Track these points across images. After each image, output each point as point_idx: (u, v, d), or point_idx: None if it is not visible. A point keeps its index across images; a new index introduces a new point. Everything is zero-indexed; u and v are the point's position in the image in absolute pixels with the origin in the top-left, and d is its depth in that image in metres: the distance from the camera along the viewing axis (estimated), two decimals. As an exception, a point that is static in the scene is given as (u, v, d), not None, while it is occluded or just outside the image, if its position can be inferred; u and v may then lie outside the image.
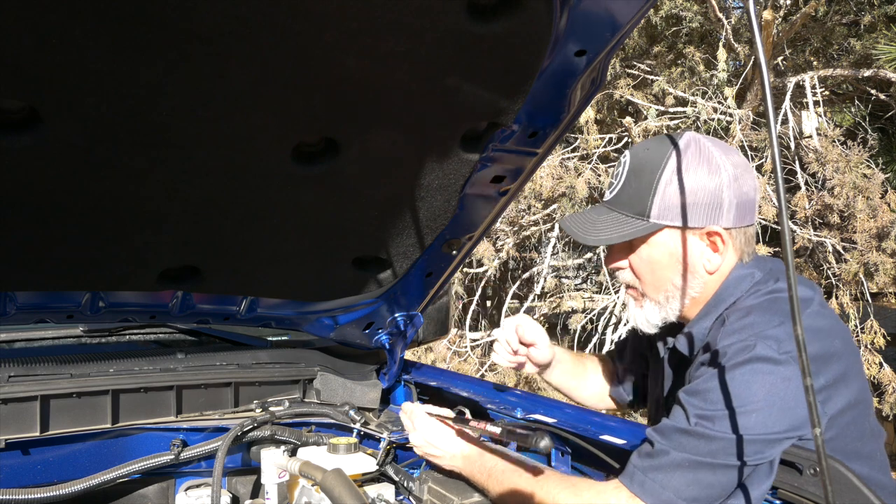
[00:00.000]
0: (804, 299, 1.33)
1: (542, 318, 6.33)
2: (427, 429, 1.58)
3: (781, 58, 6.08)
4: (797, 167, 5.53)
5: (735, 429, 1.18)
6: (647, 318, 1.49)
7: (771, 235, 5.61)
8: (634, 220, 1.40)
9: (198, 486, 1.66)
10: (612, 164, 6.31)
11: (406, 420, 1.65)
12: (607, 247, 1.54)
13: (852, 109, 6.50)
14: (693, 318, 1.45)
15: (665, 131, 6.10)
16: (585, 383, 1.98)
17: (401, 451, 1.82)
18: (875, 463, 1.35)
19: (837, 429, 1.27)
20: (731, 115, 5.50)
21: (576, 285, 7.15)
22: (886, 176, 5.38)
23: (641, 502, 1.21)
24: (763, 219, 5.49)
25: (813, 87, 5.45)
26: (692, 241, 1.40)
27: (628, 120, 5.91)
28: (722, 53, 5.68)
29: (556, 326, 6.86)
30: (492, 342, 6.27)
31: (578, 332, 6.22)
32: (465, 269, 6.21)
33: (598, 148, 6.04)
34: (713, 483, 1.19)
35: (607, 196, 1.47)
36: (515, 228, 6.11)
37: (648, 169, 1.38)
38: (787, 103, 5.50)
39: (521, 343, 1.79)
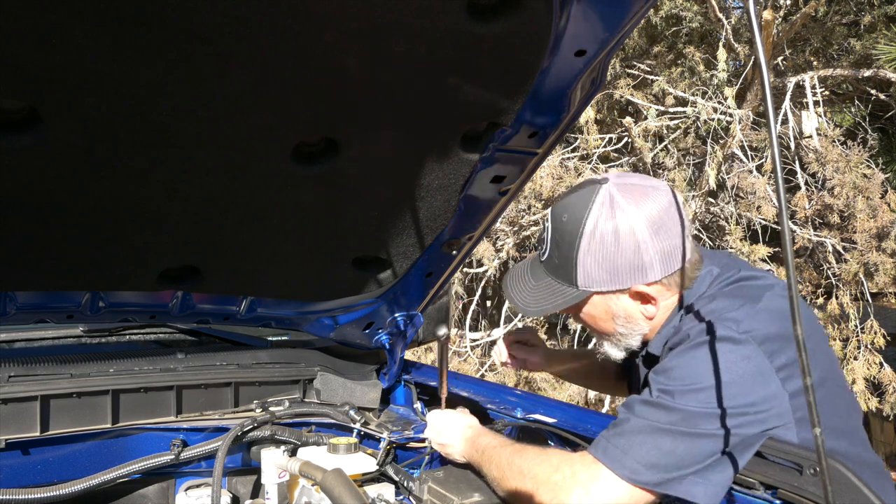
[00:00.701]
0: (767, 285, 1.38)
1: (542, 317, 6.33)
2: (435, 419, 1.65)
3: (781, 58, 6.08)
4: (797, 167, 5.54)
5: (694, 402, 1.24)
6: (609, 352, 1.57)
7: (771, 235, 5.62)
8: (566, 288, 1.45)
9: (198, 486, 1.66)
10: (612, 164, 6.32)
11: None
12: None
13: (852, 109, 6.51)
14: (659, 328, 1.50)
15: (665, 131, 6.11)
16: (601, 383, 2.11)
17: (401, 451, 1.82)
18: (857, 439, 1.38)
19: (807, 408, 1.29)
20: (731, 115, 5.51)
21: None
22: (886, 176, 5.39)
23: (603, 466, 1.26)
24: (763, 219, 5.50)
25: (813, 87, 5.45)
26: (623, 299, 1.45)
27: (628, 120, 5.91)
28: (722, 53, 5.68)
29: (556, 326, 6.87)
30: (493, 342, 6.28)
31: (578, 331, 6.23)
32: (465, 269, 6.21)
33: (598, 148, 6.04)
34: (672, 450, 1.23)
35: (542, 255, 1.52)
36: (515, 228, 6.11)
37: (567, 241, 1.42)
38: (787, 103, 5.51)
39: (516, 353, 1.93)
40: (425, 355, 6.05)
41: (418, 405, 1.99)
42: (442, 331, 1.69)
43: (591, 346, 2.06)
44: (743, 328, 1.28)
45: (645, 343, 1.55)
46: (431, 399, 2.03)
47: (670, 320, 1.48)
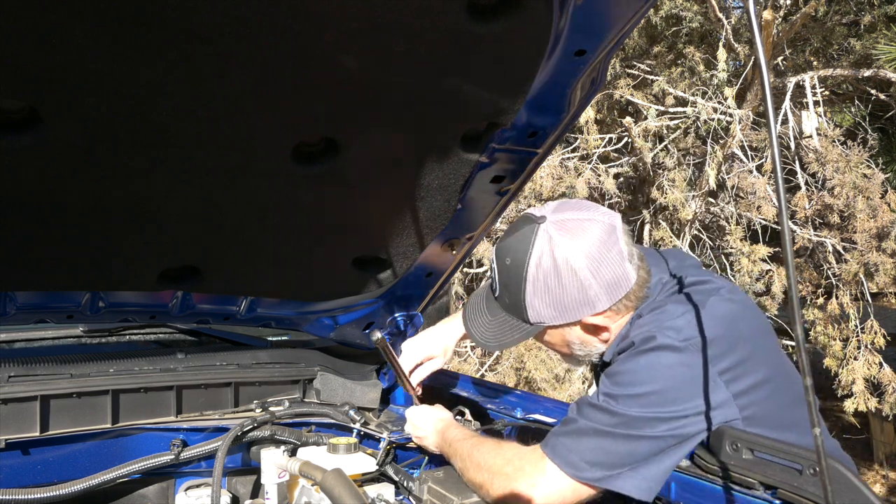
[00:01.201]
0: (713, 289, 1.45)
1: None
2: (412, 414, 1.76)
3: (781, 58, 6.08)
4: (797, 167, 5.53)
5: (636, 406, 1.33)
6: (573, 366, 1.68)
7: (771, 235, 5.61)
8: (520, 324, 1.51)
9: (198, 486, 1.66)
10: (612, 164, 6.32)
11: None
12: None
13: (852, 109, 6.50)
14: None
15: (665, 131, 6.10)
16: None
17: (401, 451, 1.82)
18: (804, 429, 1.40)
19: (755, 407, 1.37)
20: (731, 115, 5.50)
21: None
22: (886, 176, 5.38)
23: (550, 461, 1.37)
24: (763, 219, 5.49)
25: (813, 87, 5.45)
26: (575, 330, 1.50)
27: (628, 120, 5.91)
28: (722, 53, 5.68)
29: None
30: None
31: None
32: (465, 269, 6.21)
33: (598, 148, 6.04)
34: (613, 451, 1.33)
35: (494, 292, 1.55)
36: (515, 228, 6.10)
37: (514, 283, 1.46)
38: (787, 103, 5.50)
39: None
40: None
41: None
42: (375, 336, 1.79)
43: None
44: (683, 336, 1.35)
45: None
46: (433, 399, 2.03)
47: (623, 329, 1.52)
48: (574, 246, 1.40)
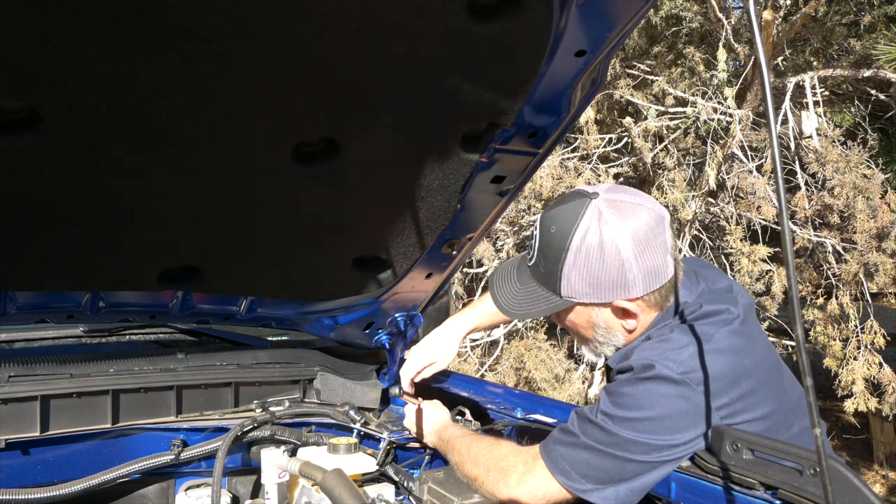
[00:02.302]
0: (724, 320, 1.43)
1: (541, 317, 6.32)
2: (410, 411, 1.84)
3: (781, 58, 6.08)
4: (797, 167, 5.53)
5: (630, 430, 1.35)
6: (587, 355, 1.65)
7: (771, 235, 5.61)
8: (549, 296, 1.49)
9: (198, 486, 1.66)
10: (612, 164, 6.31)
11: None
12: None
13: (852, 109, 6.50)
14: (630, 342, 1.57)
15: (665, 131, 6.10)
16: None
17: (401, 452, 1.82)
18: None
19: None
20: (731, 116, 5.50)
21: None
22: (886, 176, 5.38)
23: (543, 464, 1.43)
24: (763, 219, 5.49)
25: (813, 87, 5.45)
26: (604, 312, 1.49)
27: (628, 120, 5.91)
28: (722, 53, 5.67)
29: (556, 326, 6.87)
30: (493, 342, 6.28)
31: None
32: (465, 269, 6.21)
33: (598, 148, 6.04)
34: (603, 468, 1.37)
35: (529, 260, 1.54)
36: (515, 228, 6.11)
37: (553, 253, 1.44)
38: (787, 103, 5.50)
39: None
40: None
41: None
42: (395, 391, 1.99)
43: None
44: (682, 369, 1.35)
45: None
46: (433, 399, 2.03)
47: (636, 340, 1.53)
48: (623, 226, 1.40)
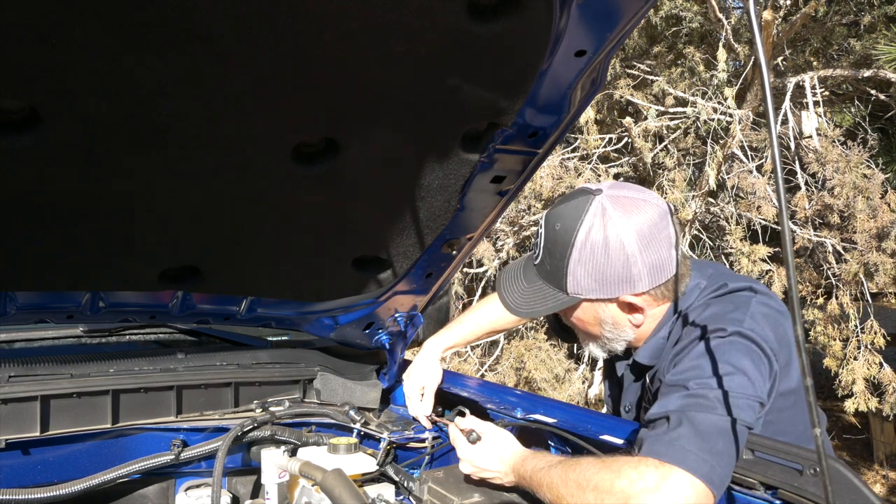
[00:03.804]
0: (751, 295, 1.44)
1: (542, 318, 6.31)
2: (473, 455, 1.53)
3: (781, 58, 6.08)
4: (797, 167, 5.53)
5: (731, 387, 1.25)
6: (594, 352, 1.62)
7: (771, 235, 5.61)
8: (556, 293, 1.49)
9: (198, 486, 1.66)
10: (612, 164, 6.31)
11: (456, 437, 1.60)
12: None
13: (852, 109, 6.50)
14: (647, 338, 1.54)
15: (665, 131, 6.10)
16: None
17: (401, 451, 1.82)
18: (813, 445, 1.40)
19: (775, 413, 1.35)
20: (731, 116, 5.50)
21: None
22: (886, 176, 5.38)
23: (671, 464, 1.18)
24: (763, 219, 5.49)
25: (813, 87, 5.45)
26: (611, 307, 1.49)
27: (628, 120, 5.91)
28: (722, 53, 5.68)
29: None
30: (492, 342, 6.28)
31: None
32: (465, 269, 6.21)
33: (598, 148, 6.04)
34: (726, 433, 1.21)
35: (535, 258, 1.54)
36: (515, 228, 6.11)
37: (559, 250, 1.45)
38: (787, 103, 5.50)
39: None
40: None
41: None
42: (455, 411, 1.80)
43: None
44: (747, 326, 1.34)
45: (628, 351, 1.61)
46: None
47: (658, 330, 1.52)
48: (627, 222, 1.41)
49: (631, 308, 1.47)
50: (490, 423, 1.61)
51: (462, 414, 1.88)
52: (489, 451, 1.51)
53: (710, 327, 1.36)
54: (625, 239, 1.40)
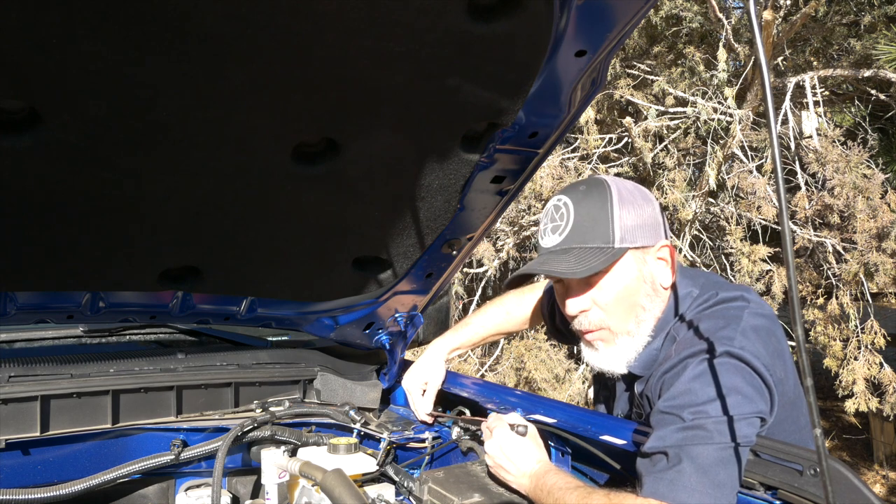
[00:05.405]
0: (743, 305, 1.44)
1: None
2: (505, 441, 1.54)
3: (781, 58, 6.08)
4: (797, 167, 5.53)
5: (725, 410, 1.26)
6: (621, 354, 1.54)
7: (771, 235, 5.61)
8: (602, 248, 1.46)
9: (198, 486, 1.66)
10: (612, 164, 6.31)
11: (486, 430, 1.63)
12: (566, 297, 1.56)
13: (852, 109, 6.50)
14: (643, 349, 1.55)
15: (665, 131, 6.10)
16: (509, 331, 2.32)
17: (401, 452, 1.82)
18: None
19: (780, 424, 1.37)
20: (731, 116, 5.50)
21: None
22: (886, 176, 5.38)
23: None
24: (763, 219, 5.49)
25: (813, 87, 5.45)
26: (650, 259, 1.53)
27: (628, 120, 5.91)
28: (722, 53, 5.68)
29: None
30: (492, 342, 6.28)
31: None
32: (465, 269, 6.21)
33: (598, 148, 6.04)
34: (727, 462, 1.24)
35: (553, 241, 1.50)
36: (515, 228, 6.11)
37: (597, 204, 1.49)
38: (787, 103, 5.50)
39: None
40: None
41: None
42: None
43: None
44: (737, 345, 1.34)
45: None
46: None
47: (653, 340, 1.53)
48: (634, 185, 1.57)
49: (662, 259, 1.53)
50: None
51: (462, 414, 1.88)
52: (527, 448, 1.53)
53: (699, 348, 1.36)
54: (640, 192, 1.54)
